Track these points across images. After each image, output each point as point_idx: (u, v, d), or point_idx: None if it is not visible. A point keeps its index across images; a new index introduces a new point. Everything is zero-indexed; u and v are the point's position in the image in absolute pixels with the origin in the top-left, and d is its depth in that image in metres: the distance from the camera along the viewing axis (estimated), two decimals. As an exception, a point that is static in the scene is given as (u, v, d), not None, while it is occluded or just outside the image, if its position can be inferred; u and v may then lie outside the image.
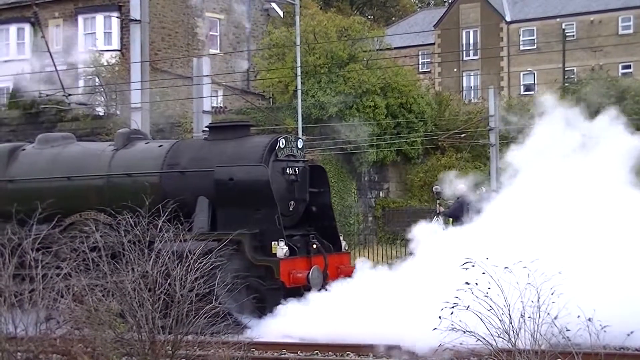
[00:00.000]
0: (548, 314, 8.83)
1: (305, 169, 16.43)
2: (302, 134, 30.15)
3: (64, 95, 23.37)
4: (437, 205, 21.62)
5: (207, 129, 17.43)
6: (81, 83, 42.42)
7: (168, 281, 9.88)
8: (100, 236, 11.03)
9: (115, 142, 17.28)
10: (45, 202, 14.72)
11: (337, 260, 16.05)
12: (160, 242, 10.70)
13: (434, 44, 59.61)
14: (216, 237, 13.88)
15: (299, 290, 14.91)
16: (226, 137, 16.19)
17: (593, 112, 14.98)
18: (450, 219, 21.71)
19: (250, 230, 14.90)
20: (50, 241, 11.85)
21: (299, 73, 31.46)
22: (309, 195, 16.42)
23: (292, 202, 15.96)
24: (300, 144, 16.43)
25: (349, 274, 15.46)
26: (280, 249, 14.88)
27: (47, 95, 28.84)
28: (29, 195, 16.38)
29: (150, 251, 10.33)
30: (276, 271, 14.74)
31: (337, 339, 12.86)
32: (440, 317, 8.88)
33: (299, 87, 31.74)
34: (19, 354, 9.95)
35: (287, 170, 15.86)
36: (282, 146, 15.79)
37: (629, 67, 52.79)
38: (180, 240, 11.82)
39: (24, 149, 18.01)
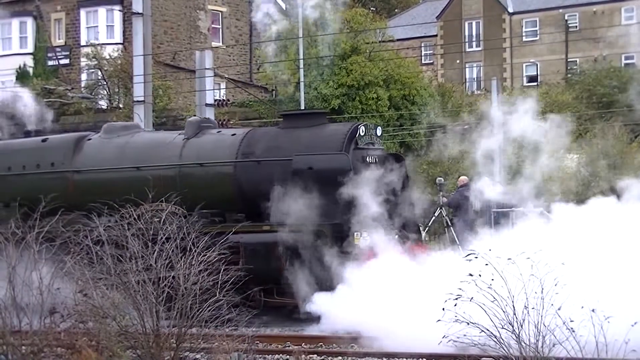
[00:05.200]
0: (552, 305, 8.83)
1: (384, 156, 15.87)
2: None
3: (66, 89, 23.38)
4: (440, 197, 21.64)
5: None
6: (84, 77, 42.49)
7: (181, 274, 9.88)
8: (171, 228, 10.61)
9: (186, 131, 16.74)
10: (113, 193, 14.31)
11: (417, 250, 15.23)
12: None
13: (436, 35, 59.43)
14: (295, 228, 13.72)
15: None
16: (302, 125, 15.63)
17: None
18: (451, 209, 21.82)
19: (331, 221, 14.42)
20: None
21: (301, 65, 31.40)
22: None
23: None
24: (379, 132, 15.93)
25: None
26: (363, 239, 14.36)
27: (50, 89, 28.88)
28: (96, 185, 16.04)
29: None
30: None
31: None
32: (443, 309, 8.90)
33: (302, 79, 31.69)
34: (23, 347, 9.94)
35: (368, 159, 15.31)
36: (362, 134, 15.26)
37: (631, 57, 52.63)
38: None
39: (89, 139, 17.49)
